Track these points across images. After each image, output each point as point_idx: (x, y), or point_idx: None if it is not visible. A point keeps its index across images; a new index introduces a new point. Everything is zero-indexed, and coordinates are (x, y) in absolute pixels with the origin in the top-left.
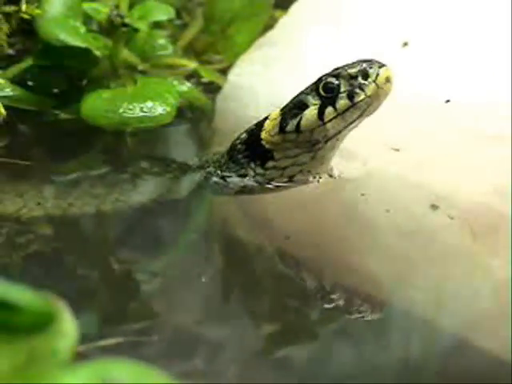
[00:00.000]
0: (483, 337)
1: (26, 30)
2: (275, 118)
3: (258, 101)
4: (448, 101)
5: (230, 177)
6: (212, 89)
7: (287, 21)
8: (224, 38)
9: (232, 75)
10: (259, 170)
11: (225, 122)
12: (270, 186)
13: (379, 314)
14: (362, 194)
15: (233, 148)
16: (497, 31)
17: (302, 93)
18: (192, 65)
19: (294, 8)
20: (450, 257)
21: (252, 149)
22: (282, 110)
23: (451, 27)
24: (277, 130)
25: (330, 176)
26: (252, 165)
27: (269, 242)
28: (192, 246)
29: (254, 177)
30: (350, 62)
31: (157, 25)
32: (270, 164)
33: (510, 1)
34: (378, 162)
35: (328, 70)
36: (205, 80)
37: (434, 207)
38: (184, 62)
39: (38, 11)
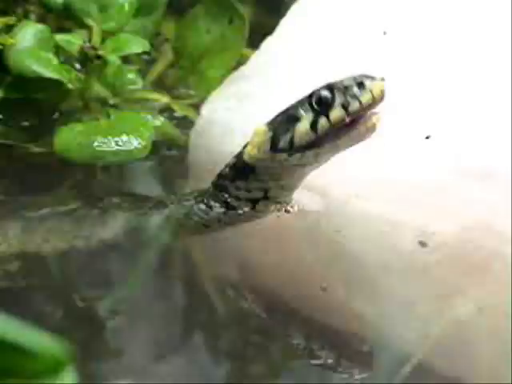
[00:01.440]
0: (476, 377)
1: None
2: (262, 133)
3: (233, 136)
4: (428, 137)
5: (210, 207)
6: (185, 123)
7: (260, 56)
8: (195, 73)
9: (205, 110)
10: (242, 184)
11: (199, 157)
12: (241, 211)
13: (368, 371)
14: (338, 231)
15: (220, 176)
16: (479, 65)
17: (290, 107)
18: (164, 99)
19: (266, 43)
20: (441, 294)
21: (238, 169)
22: (268, 125)
23: (430, 62)
24: (268, 147)
25: (286, 211)
26: (237, 182)
27: (245, 279)
28: (161, 283)
29: (236, 195)
30: None
31: (125, 59)
32: (252, 177)
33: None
34: (358, 198)
35: None
36: (177, 115)
37: (423, 244)
38: (156, 96)
39: (11, 41)
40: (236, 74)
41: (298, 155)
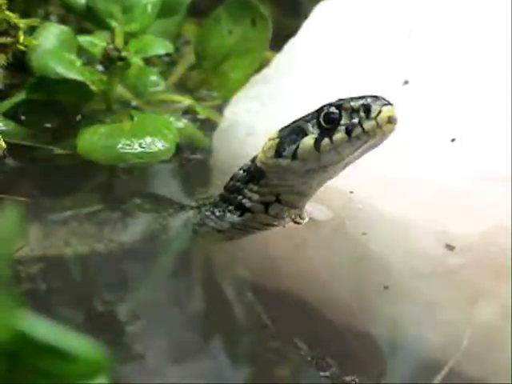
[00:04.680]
0: (502, 380)
1: (14, 64)
2: (273, 139)
3: (256, 138)
4: (453, 140)
5: (224, 213)
6: (208, 125)
7: (282, 58)
8: (217, 75)
9: (228, 112)
10: (254, 188)
11: (222, 160)
12: (254, 215)
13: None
14: (364, 233)
15: (232, 178)
16: (498, 68)
17: (302, 119)
18: (187, 101)
19: (288, 45)
20: (466, 298)
21: (251, 172)
22: (280, 131)
23: (453, 65)
24: (273, 153)
25: (295, 222)
26: (250, 185)
27: (271, 283)
28: (181, 287)
29: (249, 197)
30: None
31: (146, 61)
32: (263, 182)
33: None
34: (381, 202)
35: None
36: (200, 117)
37: (450, 247)
38: (179, 98)
39: (35, 42)
40: (259, 75)
41: (299, 162)
